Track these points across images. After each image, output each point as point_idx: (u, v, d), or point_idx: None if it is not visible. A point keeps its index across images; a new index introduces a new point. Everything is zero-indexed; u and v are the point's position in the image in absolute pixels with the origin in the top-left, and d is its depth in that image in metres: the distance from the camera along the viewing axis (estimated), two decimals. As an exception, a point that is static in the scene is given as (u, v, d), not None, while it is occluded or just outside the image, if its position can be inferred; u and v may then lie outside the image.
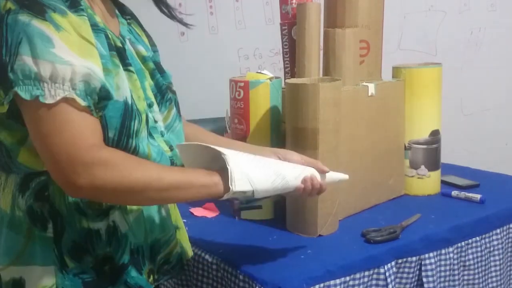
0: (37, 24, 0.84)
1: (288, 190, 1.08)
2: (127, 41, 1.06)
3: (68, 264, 0.95)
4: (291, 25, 1.55)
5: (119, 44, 1.00)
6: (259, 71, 1.49)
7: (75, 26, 0.88)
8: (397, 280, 1.28)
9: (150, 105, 1.05)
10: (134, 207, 1.01)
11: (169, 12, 1.14)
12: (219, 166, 0.99)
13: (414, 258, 1.30)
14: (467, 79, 2.81)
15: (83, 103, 0.86)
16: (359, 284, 1.21)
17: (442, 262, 1.34)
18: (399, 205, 1.57)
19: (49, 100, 0.84)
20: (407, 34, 2.82)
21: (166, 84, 1.11)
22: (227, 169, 0.97)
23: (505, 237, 1.49)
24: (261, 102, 1.41)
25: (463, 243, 1.39)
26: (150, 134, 1.02)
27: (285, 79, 1.59)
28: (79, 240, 0.95)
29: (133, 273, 1.00)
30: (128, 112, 0.94)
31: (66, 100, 0.85)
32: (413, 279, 1.31)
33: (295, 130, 1.32)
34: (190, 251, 1.20)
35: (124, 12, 1.13)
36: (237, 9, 2.78)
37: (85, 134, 0.87)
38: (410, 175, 1.65)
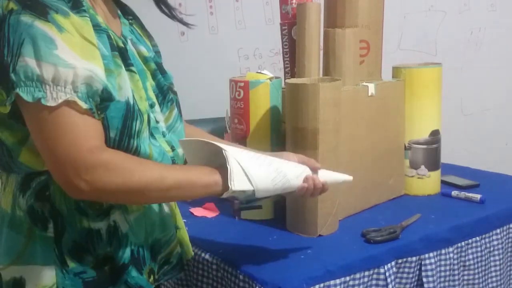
0: (39, 25, 0.84)
1: (290, 190, 1.08)
2: (129, 42, 1.06)
3: (68, 263, 0.95)
4: (291, 25, 1.55)
5: (121, 45, 1.00)
6: (259, 71, 1.49)
7: (77, 27, 0.88)
8: (397, 280, 1.28)
9: (151, 106, 1.05)
10: (135, 207, 1.01)
11: (169, 12, 1.14)
12: (220, 163, 0.99)
13: (414, 258, 1.30)
14: (467, 79, 2.81)
15: (84, 105, 0.86)
16: (359, 284, 1.21)
17: (442, 262, 1.34)
18: (399, 205, 1.57)
19: (51, 103, 0.84)
20: (407, 34, 2.82)
21: (167, 84, 1.11)
22: (227, 167, 0.97)
23: (505, 237, 1.49)
24: (261, 102, 1.41)
25: (463, 243, 1.39)
26: (151, 135, 1.02)
27: (285, 79, 1.59)
28: (79, 240, 0.95)
29: (134, 273, 1.00)
30: (130, 112, 0.94)
31: (67, 103, 0.85)
32: (413, 279, 1.31)
33: (295, 130, 1.32)
34: (190, 251, 1.20)
35: (126, 12, 1.13)
36: (237, 9, 2.78)
37: (86, 136, 0.87)
38: (410, 175, 1.65)
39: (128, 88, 0.95)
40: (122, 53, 0.99)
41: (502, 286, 1.48)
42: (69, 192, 0.90)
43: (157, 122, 1.05)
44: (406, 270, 1.29)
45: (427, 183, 1.64)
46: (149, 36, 1.17)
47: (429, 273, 1.31)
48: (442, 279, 1.34)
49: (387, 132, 1.58)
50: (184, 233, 1.18)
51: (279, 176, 1.04)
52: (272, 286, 1.12)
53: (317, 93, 1.27)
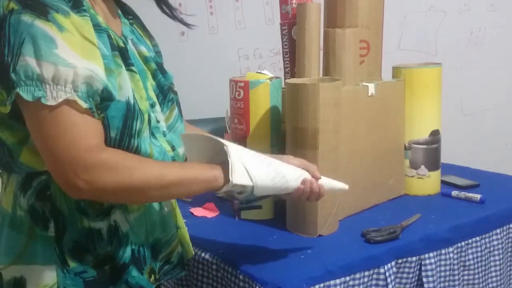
0: (40, 24, 0.84)
1: (287, 191, 1.08)
2: (130, 42, 1.06)
3: (69, 263, 0.95)
4: (291, 25, 1.55)
5: (122, 44, 1.00)
6: (259, 71, 1.49)
7: (78, 27, 0.88)
8: (397, 280, 1.28)
9: (152, 105, 1.05)
10: (135, 207, 1.01)
11: (170, 12, 1.14)
12: (221, 159, 0.99)
13: (414, 258, 1.30)
14: (467, 79, 2.81)
15: (84, 105, 0.86)
16: (359, 284, 1.21)
17: (442, 262, 1.34)
18: (399, 205, 1.57)
19: (51, 102, 0.84)
20: (407, 34, 2.82)
21: (168, 84, 1.11)
22: (228, 161, 0.97)
23: (505, 237, 1.49)
24: (261, 102, 1.41)
25: (463, 243, 1.39)
26: (152, 134, 1.02)
27: (285, 79, 1.59)
28: (80, 240, 0.96)
29: (134, 272, 1.00)
30: (131, 112, 0.94)
31: (67, 102, 0.85)
32: (413, 279, 1.31)
33: (295, 130, 1.32)
34: (191, 251, 1.20)
35: (127, 12, 1.13)
36: (237, 9, 2.78)
37: (86, 136, 0.87)
38: (410, 175, 1.65)
39: (129, 87, 0.95)
40: (123, 53, 0.99)
41: (502, 286, 1.48)
42: (68, 192, 0.90)
43: (157, 121, 1.06)
44: (406, 270, 1.29)
45: (427, 183, 1.64)
46: (150, 36, 1.17)
47: (429, 273, 1.31)
48: (442, 279, 1.34)
49: (387, 132, 1.58)
50: (184, 233, 1.18)
51: (278, 176, 1.04)
52: (272, 286, 1.12)
53: (317, 93, 1.27)
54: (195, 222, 1.47)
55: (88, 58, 0.87)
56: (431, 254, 1.32)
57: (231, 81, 1.44)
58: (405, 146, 1.64)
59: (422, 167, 1.63)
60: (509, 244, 1.51)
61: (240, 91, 1.41)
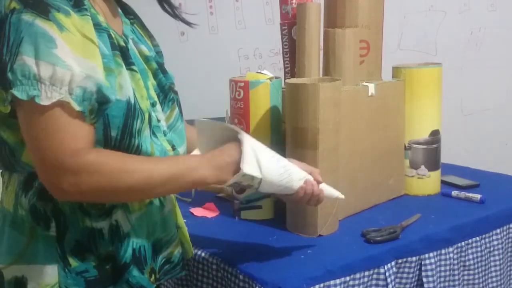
0: (40, 23, 0.84)
1: (289, 191, 1.08)
2: (130, 41, 1.06)
3: (70, 262, 0.95)
4: (291, 25, 1.55)
5: (122, 44, 1.00)
6: (259, 71, 1.49)
7: (78, 27, 0.88)
8: (397, 280, 1.28)
9: (153, 105, 1.05)
10: (137, 207, 1.01)
11: (172, 11, 1.14)
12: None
13: (414, 258, 1.30)
14: (467, 79, 2.81)
15: (77, 107, 0.86)
16: (359, 284, 1.21)
17: (442, 262, 1.34)
18: (399, 205, 1.57)
19: (45, 102, 0.84)
20: (407, 34, 2.81)
21: (168, 84, 1.11)
22: (241, 149, 0.97)
23: (505, 237, 1.49)
24: (261, 102, 1.41)
25: (463, 243, 1.39)
26: (153, 133, 1.02)
27: (285, 79, 1.59)
28: (82, 239, 0.96)
29: (135, 272, 1.00)
30: (131, 111, 0.94)
31: (61, 103, 0.85)
32: (413, 279, 1.31)
33: (295, 130, 1.32)
34: (191, 251, 1.20)
35: (127, 12, 1.13)
36: (237, 9, 2.78)
37: (73, 139, 0.87)
38: (410, 175, 1.65)
39: (129, 87, 0.95)
40: (124, 52, 0.99)
41: (502, 286, 1.48)
42: (53, 193, 0.90)
43: (158, 121, 1.06)
44: (406, 270, 1.29)
45: (427, 183, 1.64)
46: (151, 36, 1.17)
47: (429, 273, 1.31)
48: (442, 279, 1.34)
49: (387, 132, 1.58)
50: (185, 232, 1.18)
51: (285, 174, 1.05)
52: (272, 286, 1.12)
53: (317, 93, 1.28)
54: (195, 222, 1.47)
55: (87, 57, 0.88)
56: (431, 254, 1.32)
57: (231, 81, 1.44)
58: (405, 146, 1.64)
59: (422, 167, 1.63)
60: (509, 244, 1.51)
61: (240, 91, 1.41)
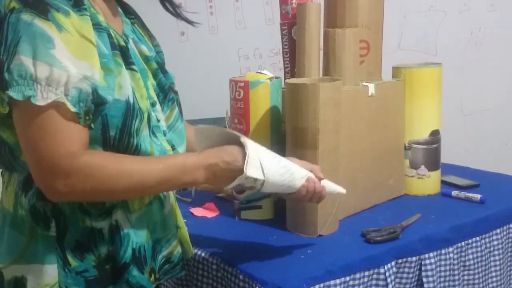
0: (39, 23, 0.84)
1: (291, 190, 1.08)
2: (131, 41, 1.06)
3: (70, 262, 0.95)
4: (291, 25, 1.55)
5: (122, 43, 1.00)
6: (259, 71, 1.49)
7: (77, 27, 0.88)
8: (397, 280, 1.28)
9: (153, 104, 1.05)
10: (137, 207, 1.01)
11: (174, 10, 1.14)
12: None
13: (414, 258, 1.30)
14: (467, 79, 2.81)
15: (73, 109, 0.86)
16: (359, 284, 1.21)
17: (442, 262, 1.34)
18: (399, 205, 1.57)
19: (40, 102, 0.84)
20: (407, 34, 2.81)
21: (168, 84, 1.11)
22: (244, 153, 0.97)
23: (505, 237, 1.49)
24: (261, 102, 1.41)
25: (463, 243, 1.39)
26: (153, 133, 1.02)
27: (285, 79, 1.59)
28: (81, 239, 0.96)
29: (135, 272, 1.00)
30: (130, 111, 0.94)
31: (56, 104, 0.85)
32: (413, 279, 1.31)
33: (295, 130, 1.32)
34: (191, 251, 1.20)
35: (128, 11, 1.13)
36: (237, 9, 2.78)
37: (68, 141, 0.87)
38: (410, 175, 1.65)
39: (129, 86, 0.95)
40: (124, 52, 0.99)
41: (502, 286, 1.48)
42: (47, 194, 0.90)
43: (158, 120, 1.06)
44: (406, 270, 1.29)
45: (427, 183, 1.64)
46: (151, 36, 1.17)
47: (429, 273, 1.31)
48: (442, 279, 1.34)
49: (387, 132, 1.58)
50: (184, 232, 1.18)
51: (287, 173, 1.05)
52: (272, 286, 1.12)
53: (317, 93, 1.28)
54: (195, 222, 1.47)
55: (85, 58, 0.87)
56: (431, 254, 1.32)
57: (231, 81, 1.44)
58: (405, 146, 1.64)
59: (422, 167, 1.63)
60: (509, 244, 1.51)
61: (240, 91, 1.41)
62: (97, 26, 0.93)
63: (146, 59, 1.08)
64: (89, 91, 0.88)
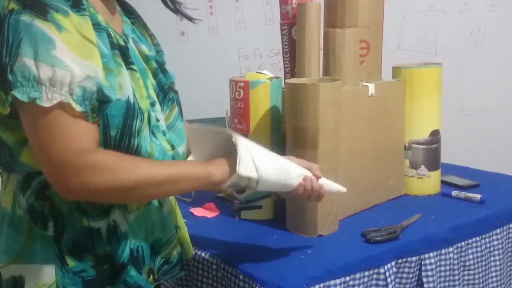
0: (39, 24, 0.84)
1: (289, 188, 1.08)
2: (130, 40, 1.06)
3: (68, 262, 0.95)
4: (291, 25, 1.55)
5: (122, 43, 1.00)
6: (259, 71, 1.49)
7: (77, 27, 0.88)
8: (397, 280, 1.28)
9: (152, 104, 1.05)
10: (135, 207, 1.01)
11: (174, 7, 1.13)
12: (227, 151, 1.00)
13: (414, 258, 1.30)
14: (467, 79, 2.81)
15: (79, 108, 0.86)
16: (359, 284, 1.21)
17: (442, 262, 1.34)
18: (399, 205, 1.57)
19: (46, 104, 0.84)
20: (407, 34, 2.81)
21: (168, 83, 1.11)
22: (235, 153, 0.97)
23: (505, 237, 1.49)
24: (261, 102, 1.41)
25: (463, 243, 1.39)
26: (152, 133, 1.02)
27: (285, 79, 1.59)
28: (79, 239, 0.96)
29: (132, 272, 1.00)
30: (130, 111, 0.94)
31: (62, 104, 0.85)
32: (413, 279, 1.31)
33: (295, 130, 1.32)
34: (191, 251, 1.20)
35: (128, 11, 1.13)
36: (237, 9, 2.77)
37: (78, 139, 0.87)
38: (410, 175, 1.65)
39: (129, 86, 0.95)
40: (123, 52, 0.99)
41: (502, 286, 1.48)
42: (61, 193, 0.91)
43: (157, 120, 1.06)
44: (406, 270, 1.29)
45: (427, 183, 1.64)
46: (152, 36, 1.17)
47: (429, 273, 1.31)
48: (442, 279, 1.34)
49: (387, 132, 1.58)
50: (184, 233, 1.18)
51: (282, 172, 1.05)
52: (272, 286, 1.12)
53: (317, 93, 1.27)
54: (195, 222, 1.47)
55: (86, 57, 0.87)
56: (431, 254, 1.32)
57: (231, 81, 1.44)
58: (405, 146, 1.64)
59: (422, 167, 1.63)
60: (509, 244, 1.51)
61: (240, 91, 1.41)
62: (96, 26, 0.93)
63: (146, 59, 1.08)
64: (93, 89, 0.88)
